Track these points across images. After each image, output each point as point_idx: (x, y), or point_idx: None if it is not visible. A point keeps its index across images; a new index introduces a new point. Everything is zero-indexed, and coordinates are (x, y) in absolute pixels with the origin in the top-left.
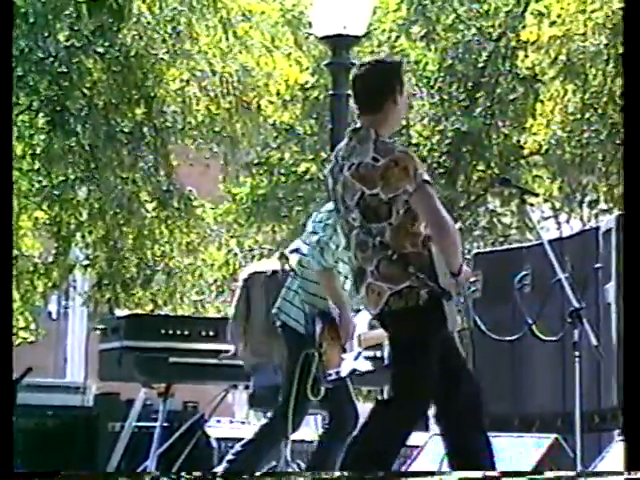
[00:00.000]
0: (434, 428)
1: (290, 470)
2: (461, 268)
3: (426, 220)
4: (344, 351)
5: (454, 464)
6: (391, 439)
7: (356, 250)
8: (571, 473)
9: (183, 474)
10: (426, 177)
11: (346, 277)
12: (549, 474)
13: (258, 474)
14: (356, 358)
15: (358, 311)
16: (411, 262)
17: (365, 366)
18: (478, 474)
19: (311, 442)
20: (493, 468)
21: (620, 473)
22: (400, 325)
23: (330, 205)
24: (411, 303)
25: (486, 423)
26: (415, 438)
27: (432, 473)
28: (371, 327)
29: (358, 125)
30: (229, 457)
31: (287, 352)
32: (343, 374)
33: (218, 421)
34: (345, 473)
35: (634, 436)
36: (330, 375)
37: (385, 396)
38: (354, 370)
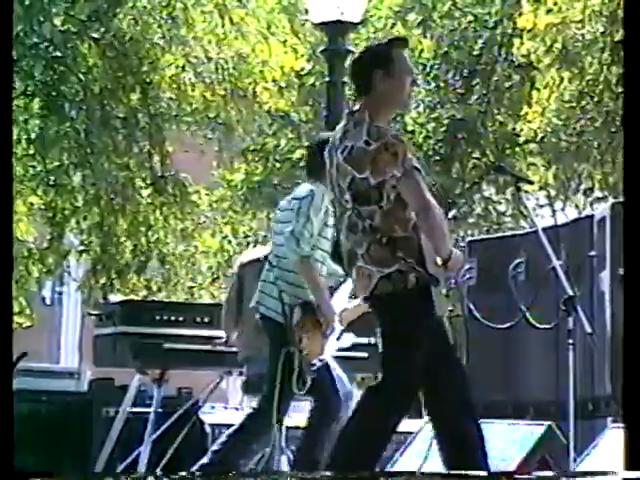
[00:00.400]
0: None
1: (284, 457)
2: (451, 254)
3: (411, 206)
4: (325, 337)
5: (444, 450)
6: (382, 424)
7: (347, 232)
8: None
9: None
10: (415, 163)
11: (322, 263)
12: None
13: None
14: (338, 338)
15: (335, 289)
16: (400, 246)
17: (348, 341)
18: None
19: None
20: (484, 453)
21: (605, 473)
22: (388, 308)
23: (299, 192)
24: (399, 287)
25: (480, 410)
26: (409, 424)
27: (413, 473)
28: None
29: (355, 108)
30: (214, 447)
31: (270, 344)
32: (327, 358)
33: (212, 407)
34: (328, 473)
35: (634, 436)
36: (314, 365)
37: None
38: (338, 350)
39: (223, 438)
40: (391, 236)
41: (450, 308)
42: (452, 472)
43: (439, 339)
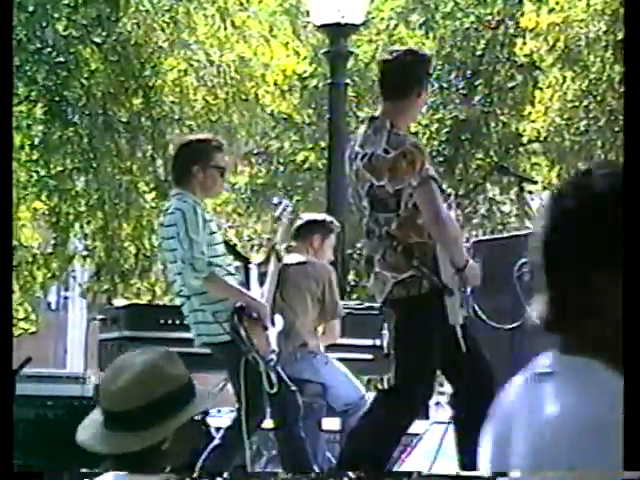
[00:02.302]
0: (434, 416)
1: (264, 457)
2: (467, 263)
3: (425, 215)
4: (266, 329)
5: (463, 448)
6: (392, 426)
7: (365, 238)
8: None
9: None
10: (432, 173)
11: (231, 274)
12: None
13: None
14: (273, 324)
15: (247, 282)
16: (415, 253)
17: (279, 323)
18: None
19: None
20: None
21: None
22: (402, 313)
23: (168, 217)
24: (413, 292)
25: None
26: (415, 426)
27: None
28: (261, 283)
29: (376, 114)
30: (199, 464)
31: (228, 364)
32: (276, 347)
33: (218, 411)
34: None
35: (634, 436)
36: (271, 360)
37: (386, 385)
38: (280, 333)
39: (204, 454)
40: (407, 243)
41: (465, 315)
42: (460, 474)
43: (454, 345)
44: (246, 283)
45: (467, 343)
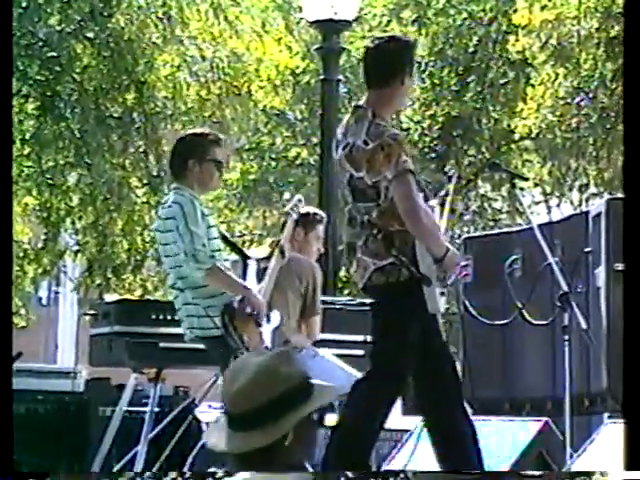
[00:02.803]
0: None
1: None
2: (446, 253)
3: (400, 210)
4: (259, 326)
5: (438, 446)
6: (371, 415)
7: (347, 225)
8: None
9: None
10: (408, 166)
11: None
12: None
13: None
14: (268, 321)
15: (244, 276)
16: (395, 241)
17: (276, 319)
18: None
19: None
20: (477, 449)
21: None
22: (380, 299)
23: (167, 210)
24: (392, 279)
25: (476, 407)
26: (406, 422)
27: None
28: (259, 279)
29: (360, 102)
30: (190, 460)
31: (219, 359)
32: (270, 344)
33: (209, 406)
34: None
35: (634, 436)
36: None
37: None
38: (275, 330)
39: (195, 450)
40: (387, 230)
41: (446, 306)
42: (450, 470)
43: (431, 335)
44: (243, 279)
45: (441, 336)
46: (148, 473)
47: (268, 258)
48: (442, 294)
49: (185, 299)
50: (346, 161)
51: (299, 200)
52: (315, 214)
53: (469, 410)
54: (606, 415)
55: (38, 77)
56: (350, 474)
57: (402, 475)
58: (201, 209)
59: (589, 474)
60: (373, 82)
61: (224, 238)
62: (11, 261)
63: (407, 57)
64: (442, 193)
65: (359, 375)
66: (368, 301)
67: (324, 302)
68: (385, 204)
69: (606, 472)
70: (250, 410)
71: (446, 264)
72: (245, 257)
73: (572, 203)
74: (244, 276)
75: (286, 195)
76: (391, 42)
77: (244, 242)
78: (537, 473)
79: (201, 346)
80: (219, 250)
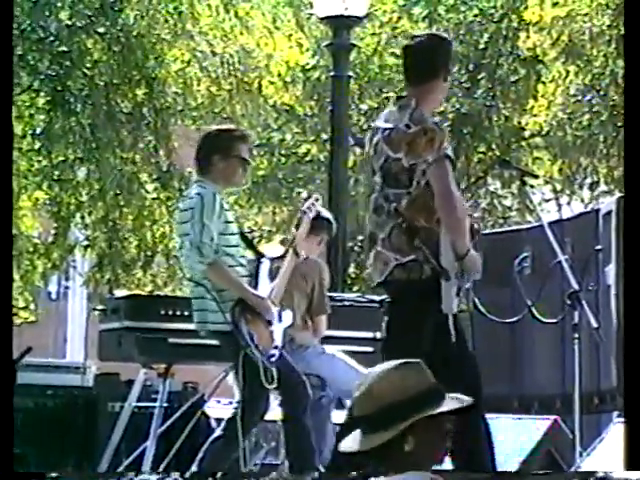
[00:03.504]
0: None
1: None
2: (468, 252)
3: (437, 194)
4: (270, 324)
5: (452, 448)
6: None
7: (372, 214)
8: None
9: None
10: (449, 153)
11: (232, 257)
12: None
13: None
14: (280, 320)
15: (256, 274)
16: (419, 235)
17: (288, 318)
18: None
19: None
20: (491, 448)
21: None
22: (400, 296)
23: (188, 200)
24: (413, 276)
25: (486, 404)
26: None
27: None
28: (271, 278)
29: (403, 94)
30: (200, 455)
31: (231, 354)
32: (280, 342)
33: (218, 401)
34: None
35: (634, 436)
36: (273, 355)
37: None
38: (285, 330)
39: (206, 445)
40: (413, 224)
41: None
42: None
43: (445, 336)
44: (255, 277)
45: (458, 338)
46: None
47: (282, 257)
48: (457, 294)
49: (199, 292)
50: (384, 143)
51: (316, 199)
52: (327, 219)
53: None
54: (615, 414)
55: (48, 72)
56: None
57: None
58: (221, 203)
59: (594, 474)
60: (415, 77)
61: (241, 235)
62: (11, 258)
63: (447, 54)
64: None
65: (366, 372)
66: (378, 298)
67: (333, 299)
68: (416, 192)
69: (610, 472)
70: (371, 413)
71: (466, 264)
72: (260, 255)
73: (582, 201)
74: (256, 274)
75: (296, 191)
76: (432, 39)
77: (253, 238)
78: (541, 472)
79: (211, 342)
80: (236, 246)
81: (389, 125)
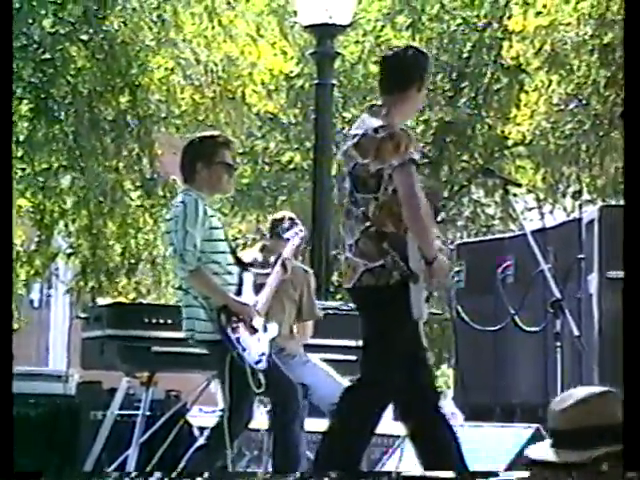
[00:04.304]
0: None
1: (246, 457)
2: (435, 257)
3: (401, 197)
4: (255, 331)
5: (420, 451)
6: (361, 422)
7: (343, 219)
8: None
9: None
10: (414, 156)
11: (219, 264)
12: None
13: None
14: (265, 330)
15: (240, 284)
16: (387, 241)
17: (273, 330)
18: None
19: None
20: (459, 452)
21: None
22: (369, 303)
23: (172, 209)
24: (382, 282)
25: (468, 412)
26: (397, 427)
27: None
28: (256, 291)
29: (377, 102)
30: (182, 464)
31: (217, 364)
32: (266, 351)
33: (200, 410)
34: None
35: (633, 436)
36: (260, 361)
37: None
38: (271, 340)
39: (190, 453)
40: (381, 229)
41: (439, 311)
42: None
43: (413, 341)
44: (239, 287)
45: (422, 342)
46: (134, 473)
47: (269, 271)
48: (427, 300)
49: (188, 300)
50: (354, 149)
51: (300, 230)
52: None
53: (460, 415)
54: None
55: (32, 79)
56: (332, 474)
57: (392, 476)
58: (205, 209)
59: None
60: (387, 88)
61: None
62: (11, 265)
63: (423, 66)
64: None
65: (346, 382)
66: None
67: None
68: (384, 197)
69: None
70: (572, 430)
71: (435, 269)
72: (244, 267)
73: (565, 210)
74: (240, 286)
75: (280, 199)
76: (408, 50)
77: (237, 246)
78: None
79: (194, 350)
80: (223, 252)
81: (359, 131)
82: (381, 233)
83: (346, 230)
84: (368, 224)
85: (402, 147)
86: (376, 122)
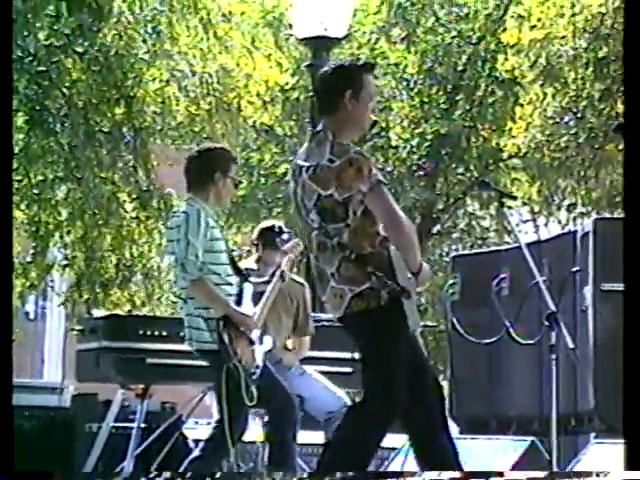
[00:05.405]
0: None
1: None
2: (421, 267)
3: (380, 219)
4: (252, 343)
5: (422, 463)
6: (364, 442)
7: (317, 252)
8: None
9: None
10: (380, 177)
11: (228, 284)
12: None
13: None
14: (261, 342)
15: (239, 296)
16: (370, 262)
17: (268, 343)
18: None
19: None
20: (459, 465)
21: (589, 474)
22: (363, 326)
23: (175, 218)
24: (373, 304)
25: (463, 425)
26: (393, 440)
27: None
28: (255, 301)
29: (318, 128)
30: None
31: (214, 374)
32: (260, 363)
33: (196, 422)
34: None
35: (634, 436)
36: (254, 373)
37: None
38: (266, 352)
39: (185, 465)
40: (360, 253)
41: (434, 324)
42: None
43: (413, 353)
44: (239, 299)
45: (423, 355)
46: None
47: (267, 282)
48: (419, 311)
49: (188, 310)
50: (311, 182)
51: (297, 243)
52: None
53: (455, 428)
54: (592, 435)
55: (27, 91)
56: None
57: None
58: (207, 220)
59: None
60: (322, 110)
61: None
62: (11, 277)
63: (351, 79)
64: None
65: (342, 393)
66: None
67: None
68: (355, 223)
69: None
70: None
71: (420, 279)
72: (244, 278)
73: (560, 222)
74: (239, 297)
75: (275, 211)
76: (335, 66)
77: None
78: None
79: (189, 362)
80: (223, 264)
81: (311, 162)
82: (361, 256)
83: (323, 261)
84: (347, 252)
85: (365, 171)
86: (327, 150)
